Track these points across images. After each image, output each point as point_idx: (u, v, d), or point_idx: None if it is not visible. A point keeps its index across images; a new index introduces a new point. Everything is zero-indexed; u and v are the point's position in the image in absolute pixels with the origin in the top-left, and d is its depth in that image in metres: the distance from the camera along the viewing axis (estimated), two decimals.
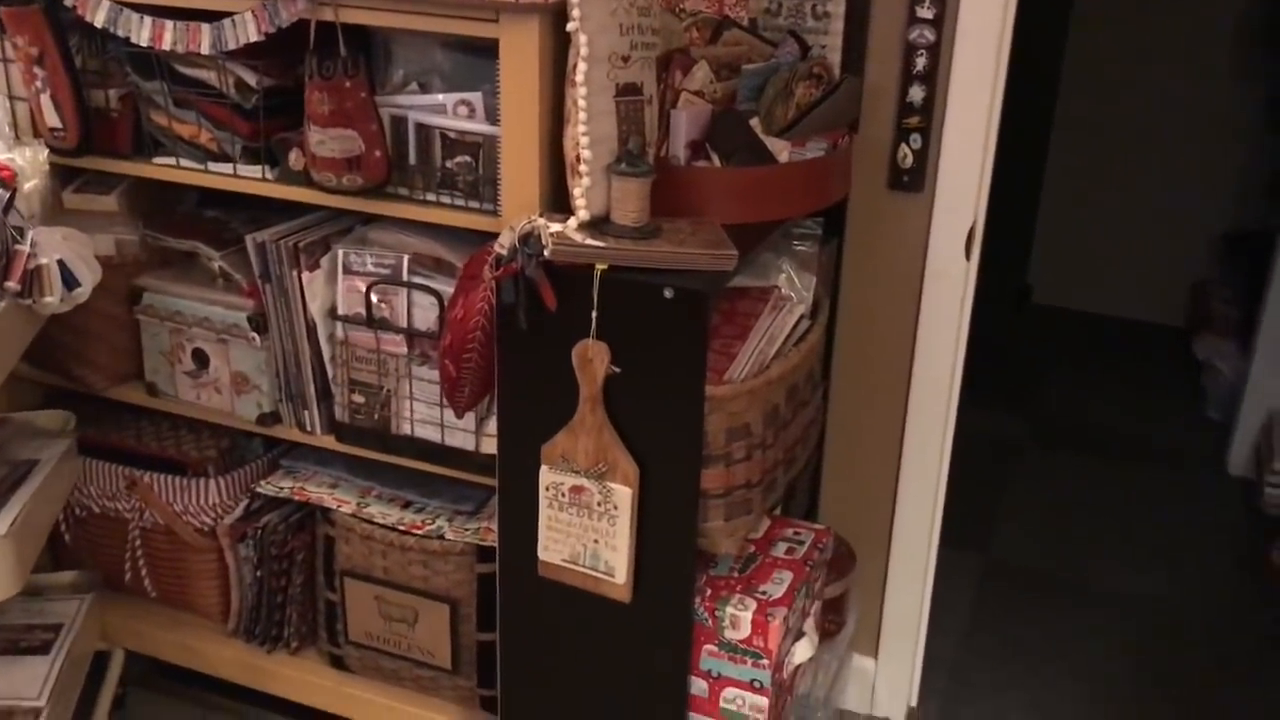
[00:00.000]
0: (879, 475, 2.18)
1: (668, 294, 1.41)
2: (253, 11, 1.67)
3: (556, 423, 1.52)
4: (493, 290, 1.52)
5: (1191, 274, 4.45)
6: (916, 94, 1.92)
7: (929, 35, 1.88)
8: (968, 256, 2.01)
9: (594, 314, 1.45)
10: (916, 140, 1.95)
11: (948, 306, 2.03)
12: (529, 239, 1.46)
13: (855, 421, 2.16)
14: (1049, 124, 4.46)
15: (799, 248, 1.81)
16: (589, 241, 1.45)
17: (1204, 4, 4.18)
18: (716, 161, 1.64)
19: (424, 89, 1.76)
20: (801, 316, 1.73)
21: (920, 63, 1.90)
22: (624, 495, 1.49)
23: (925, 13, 1.87)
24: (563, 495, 1.54)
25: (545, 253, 1.45)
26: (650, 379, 1.46)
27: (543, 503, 1.56)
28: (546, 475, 1.54)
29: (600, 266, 1.44)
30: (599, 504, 1.51)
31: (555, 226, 1.46)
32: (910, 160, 1.96)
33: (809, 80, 1.79)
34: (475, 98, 1.69)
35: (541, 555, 1.59)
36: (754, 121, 1.69)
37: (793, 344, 1.68)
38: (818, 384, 1.80)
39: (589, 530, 1.53)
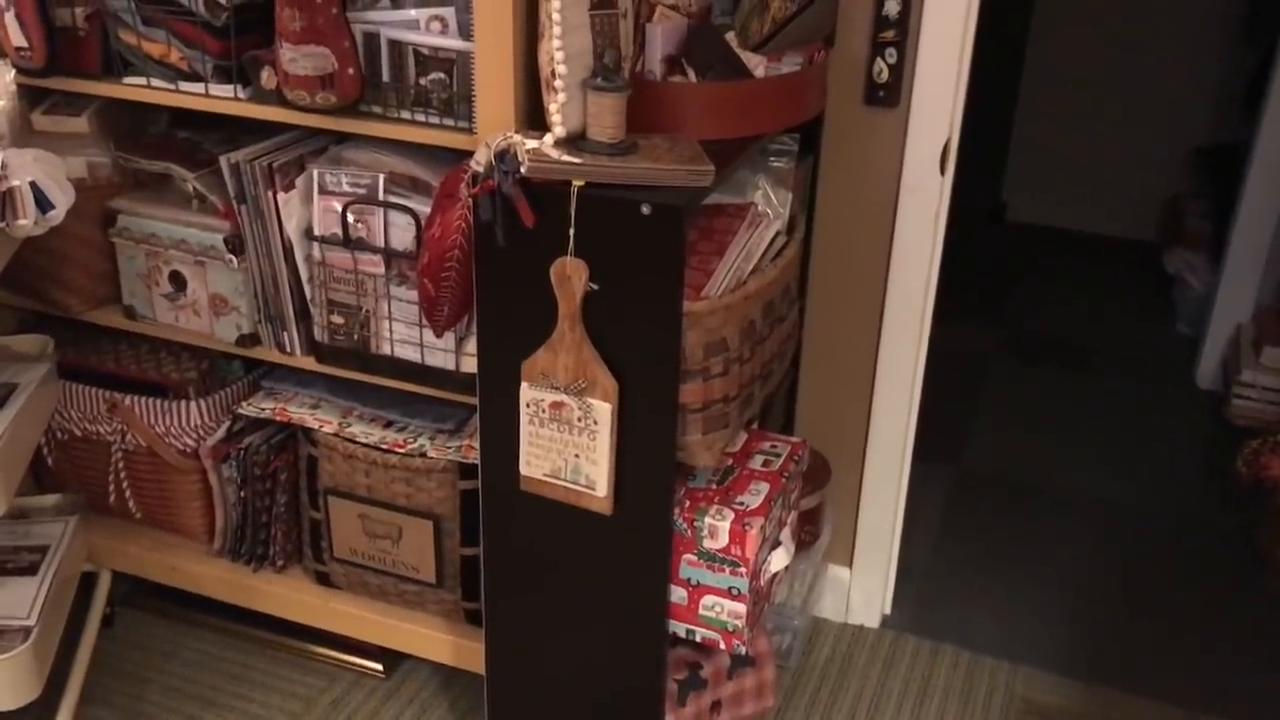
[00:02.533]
0: (854, 389, 2.21)
1: (645, 210, 1.42)
2: None
3: (536, 340, 1.54)
4: (470, 208, 1.52)
5: (1165, 189, 4.48)
6: (892, 7, 1.91)
7: None
8: (942, 172, 2.02)
9: (571, 231, 1.46)
10: (892, 55, 1.94)
11: (922, 222, 2.04)
12: (505, 156, 1.46)
13: (831, 336, 2.18)
14: (1023, 41, 4.44)
15: (775, 164, 1.82)
16: (565, 158, 1.45)
17: None
18: (692, 77, 1.64)
19: (396, 4, 1.74)
20: (778, 233, 1.74)
21: None
22: (604, 410, 1.51)
23: None
24: (543, 411, 1.56)
25: (521, 169, 1.45)
26: (628, 295, 1.47)
27: (523, 419, 1.58)
28: (527, 392, 1.56)
29: (577, 183, 1.44)
30: (579, 419, 1.54)
31: (531, 143, 1.46)
32: (886, 75, 1.96)
33: None
34: (448, 13, 1.68)
35: (523, 470, 1.61)
36: (730, 36, 1.68)
37: (769, 260, 1.70)
38: (794, 300, 1.82)
39: (570, 445, 1.56)
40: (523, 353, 1.55)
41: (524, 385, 1.56)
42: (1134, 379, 3.51)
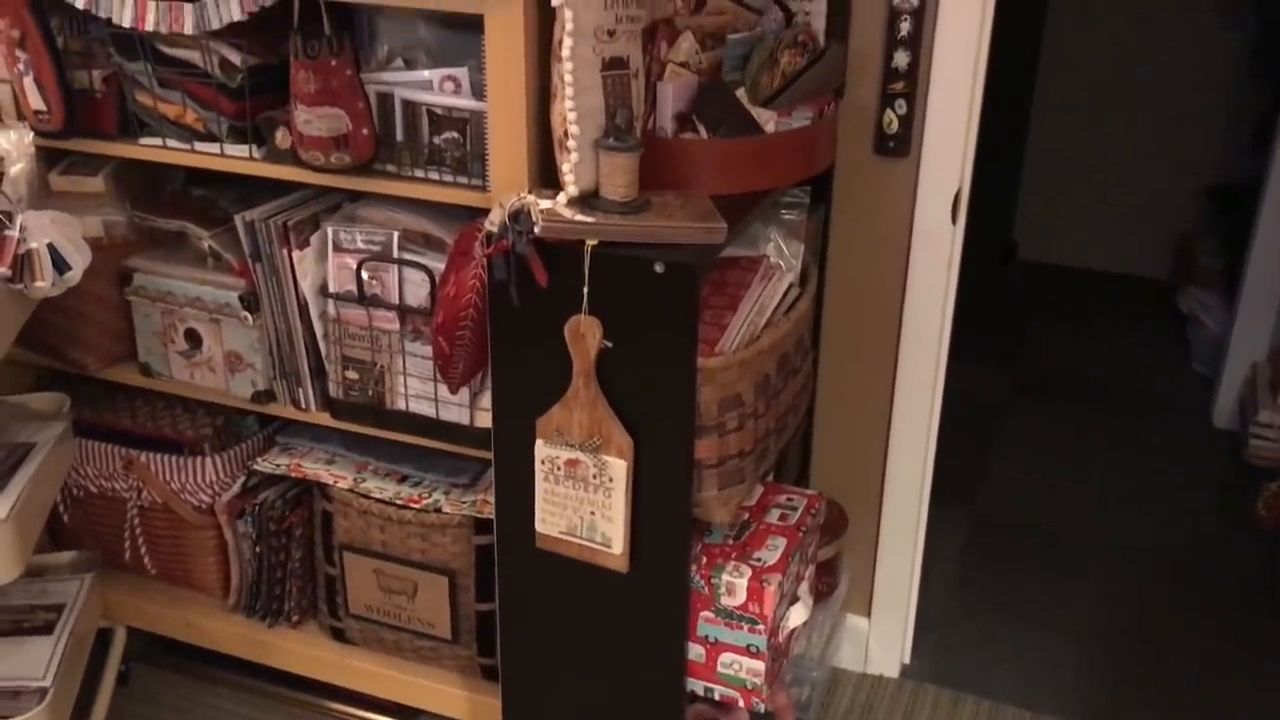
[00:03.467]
0: (869, 437, 2.21)
1: (658, 268, 1.42)
2: None
3: (550, 397, 1.54)
4: (484, 267, 1.53)
5: (1176, 227, 4.47)
6: (901, 59, 1.92)
7: (913, 0, 1.88)
8: (954, 220, 2.02)
9: (585, 289, 1.46)
10: (902, 105, 1.95)
11: (935, 270, 2.05)
12: (519, 216, 1.47)
13: (845, 385, 2.18)
14: (1032, 79, 4.46)
15: (787, 216, 1.82)
16: (579, 217, 1.46)
17: None
18: (703, 133, 1.65)
19: (409, 65, 1.75)
20: (791, 285, 1.74)
21: (904, 28, 1.90)
22: (619, 468, 1.51)
23: None
24: (558, 469, 1.56)
25: (535, 229, 1.46)
26: (642, 352, 1.48)
27: (538, 476, 1.57)
28: (542, 449, 1.56)
29: (590, 242, 1.45)
30: (594, 477, 1.53)
31: (545, 203, 1.47)
32: (896, 125, 1.97)
33: (794, 48, 1.79)
34: (461, 73, 1.69)
35: (539, 528, 1.61)
36: (740, 92, 1.69)
37: (783, 313, 1.70)
38: (808, 351, 1.82)
39: (585, 502, 1.55)
40: (537, 410, 1.56)
41: (539, 442, 1.56)
42: (1150, 419, 3.50)
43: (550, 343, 1.51)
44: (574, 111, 1.48)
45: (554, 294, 1.48)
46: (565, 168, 1.50)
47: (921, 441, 2.17)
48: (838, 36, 1.94)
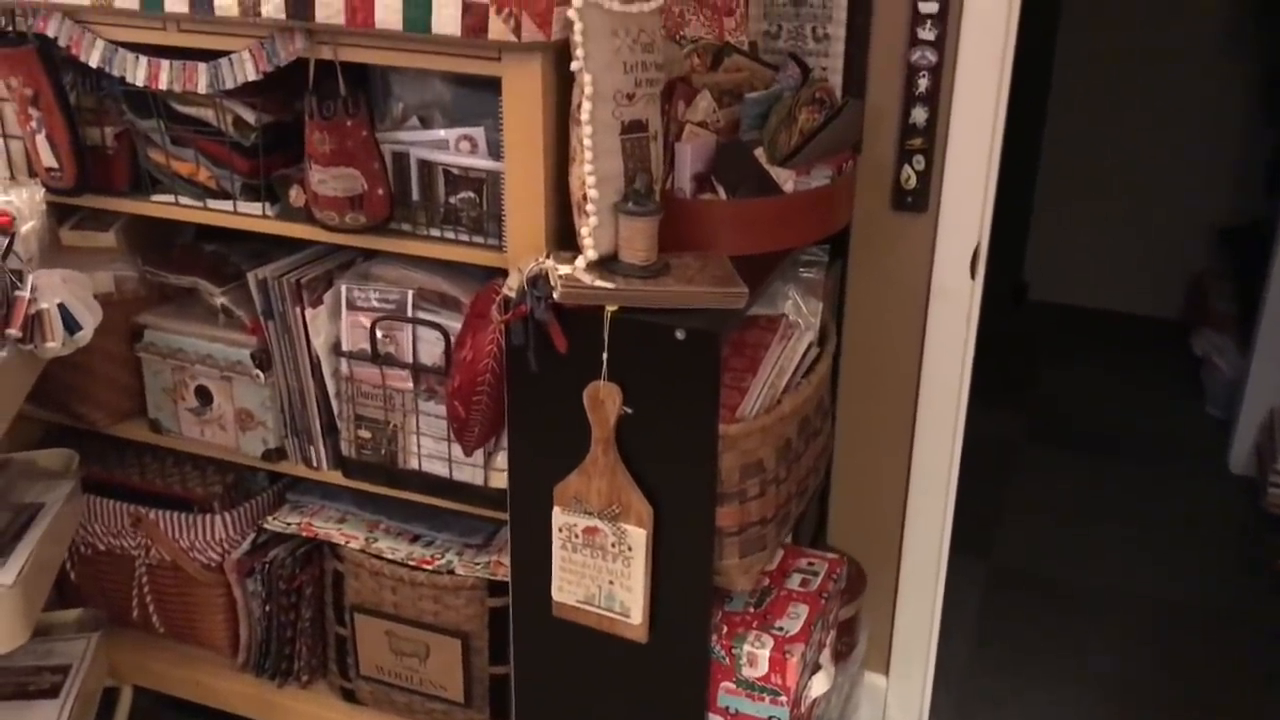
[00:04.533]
0: (888, 494, 2.18)
1: (679, 335, 1.40)
2: (250, 51, 1.65)
3: (568, 463, 1.51)
4: (502, 332, 1.51)
5: (1187, 266, 4.45)
6: (919, 115, 1.91)
7: (931, 57, 1.87)
8: (973, 275, 2.00)
9: (604, 355, 1.44)
10: (920, 161, 1.94)
11: (954, 325, 2.02)
12: (537, 281, 1.45)
13: (863, 442, 2.15)
14: (1042, 119, 4.45)
15: (806, 274, 1.80)
16: (598, 283, 1.44)
17: None
18: (722, 194, 1.63)
19: (425, 123, 1.74)
20: (810, 344, 1.72)
21: (922, 84, 1.89)
22: (638, 537, 1.48)
23: (927, 34, 1.86)
24: (576, 536, 1.53)
25: (554, 295, 1.44)
26: (663, 419, 1.45)
27: (556, 544, 1.55)
28: (559, 517, 1.53)
29: (610, 308, 1.43)
30: (613, 545, 1.50)
31: (564, 268, 1.45)
32: (914, 181, 1.95)
33: (811, 105, 1.78)
34: (478, 133, 1.68)
35: (555, 596, 1.58)
36: (759, 151, 1.67)
37: (802, 374, 1.68)
38: (827, 412, 1.80)
39: (603, 571, 1.53)
40: (555, 476, 1.53)
41: (556, 510, 1.54)
42: (1165, 464, 3.46)
43: (568, 408, 1.49)
44: (593, 175, 1.46)
45: (573, 359, 1.46)
46: (584, 231, 1.49)
47: (940, 499, 2.14)
48: (854, 92, 1.93)
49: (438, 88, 1.74)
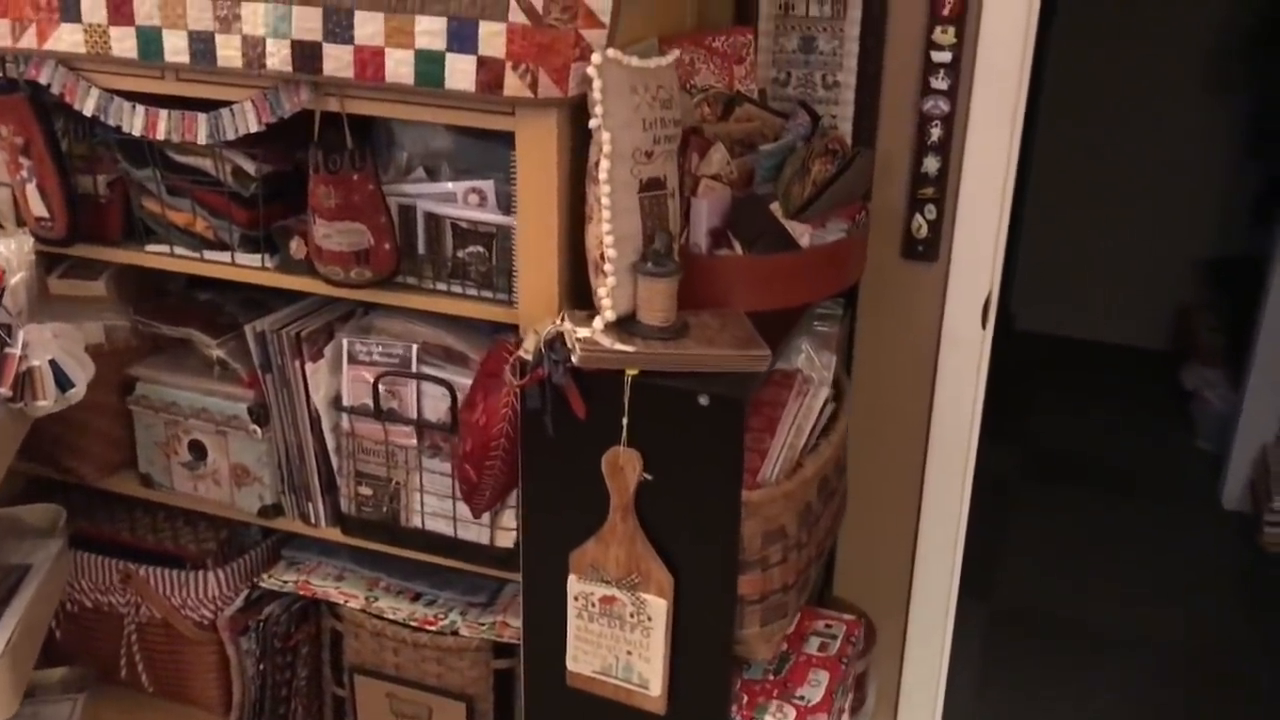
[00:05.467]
0: (896, 545, 2.14)
1: (703, 401, 1.36)
2: (252, 101, 1.60)
3: (585, 530, 1.47)
4: (516, 395, 1.46)
5: (1173, 298, 4.47)
6: (931, 164, 1.88)
7: (944, 105, 1.84)
8: (984, 325, 1.97)
9: (624, 421, 1.40)
10: (931, 211, 1.91)
11: (965, 375, 2.00)
12: (555, 344, 1.41)
13: (872, 493, 2.12)
14: (1028, 150, 4.46)
15: (820, 328, 1.77)
16: (618, 346, 1.40)
17: (1180, 27, 4.19)
18: (739, 249, 1.59)
19: (431, 174, 1.70)
20: (827, 400, 1.68)
21: (935, 133, 1.86)
22: (658, 607, 1.44)
23: (940, 83, 1.83)
24: (593, 605, 1.48)
25: (573, 358, 1.39)
26: (684, 485, 1.41)
27: (571, 613, 1.50)
28: (575, 585, 1.49)
29: (631, 372, 1.39)
30: (631, 615, 1.46)
31: (582, 331, 1.41)
32: (925, 230, 1.93)
33: (825, 156, 1.75)
34: (487, 186, 1.63)
35: (570, 666, 1.53)
36: (774, 206, 1.64)
37: (819, 431, 1.64)
38: (843, 469, 1.76)
39: (621, 641, 1.48)
40: (571, 543, 1.48)
41: (572, 578, 1.49)
42: (1159, 500, 3.45)
43: (585, 474, 1.44)
44: (611, 235, 1.43)
45: (591, 424, 1.41)
46: (602, 291, 1.45)
47: (949, 552, 2.11)
48: (864, 140, 1.91)
49: (444, 137, 1.70)
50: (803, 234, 1.64)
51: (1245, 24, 4.08)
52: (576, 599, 1.49)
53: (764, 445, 1.53)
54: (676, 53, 1.51)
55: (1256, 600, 2.90)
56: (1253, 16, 4.06)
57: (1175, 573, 3.06)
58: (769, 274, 1.58)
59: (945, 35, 1.80)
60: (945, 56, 1.81)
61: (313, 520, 1.89)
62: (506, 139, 1.52)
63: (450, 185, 1.65)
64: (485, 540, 1.76)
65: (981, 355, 1.99)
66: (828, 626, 1.70)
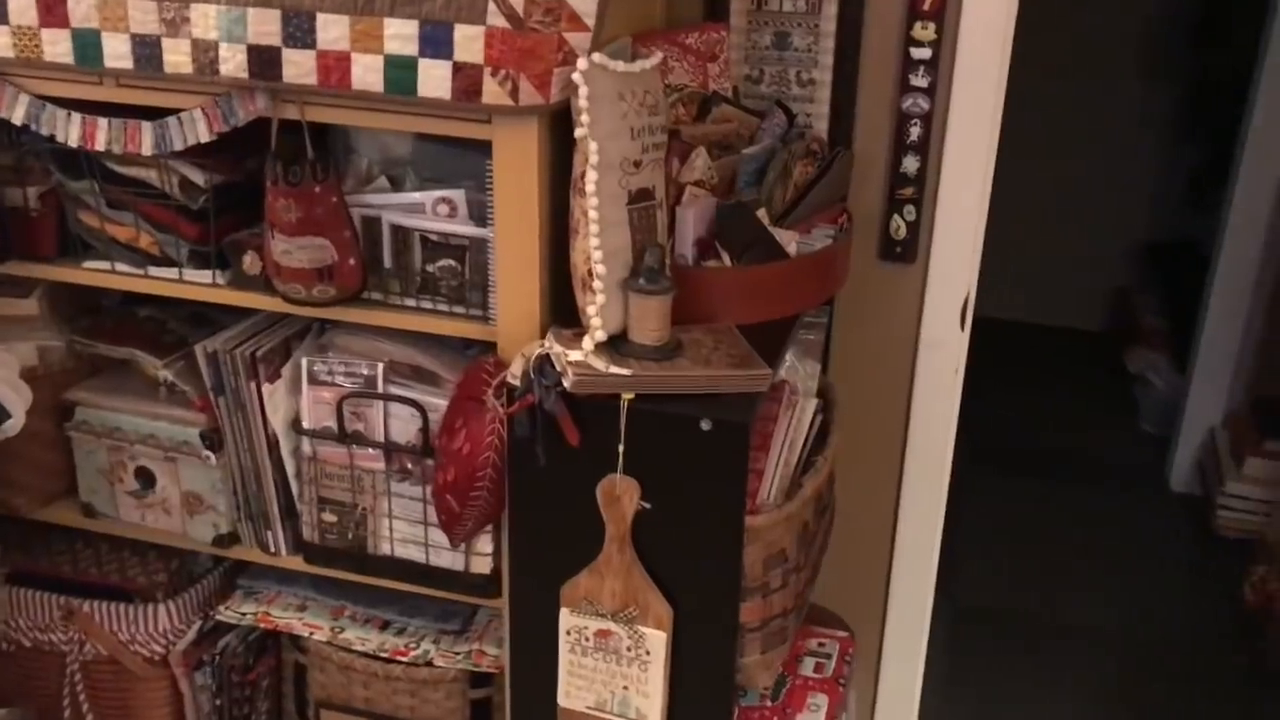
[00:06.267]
0: (873, 548, 2.10)
1: (705, 426, 1.29)
2: (203, 109, 1.48)
3: (578, 561, 1.39)
4: (503, 422, 1.38)
5: (1110, 279, 4.50)
6: (911, 164, 1.83)
7: (923, 104, 1.79)
8: (963, 326, 1.93)
9: (621, 448, 1.32)
10: (910, 212, 1.86)
11: (943, 377, 1.95)
12: (544, 367, 1.33)
13: (848, 497, 2.06)
14: None
15: (806, 336, 1.71)
16: (613, 369, 1.32)
17: (1114, 13, 4.21)
18: (726, 260, 1.52)
19: (395, 183, 1.60)
20: (817, 411, 1.63)
21: (914, 132, 1.81)
22: (657, 640, 1.37)
23: (919, 81, 1.78)
24: (586, 639, 1.41)
25: (565, 383, 1.31)
26: (684, 513, 1.34)
27: (563, 647, 1.42)
28: (568, 618, 1.41)
29: (627, 396, 1.31)
30: (629, 649, 1.39)
31: (574, 354, 1.33)
32: (903, 231, 1.88)
33: (806, 158, 1.69)
34: (457, 195, 1.54)
35: (562, 702, 1.45)
36: (761, 213, 1.57)
37: (810, 445, 1.58)
38: (833, 481, 1.71)
39: (617, 676, 1.41)
40: (562, 575, 1.41)
41: (564, 611, 1.41)
42: (1107, 484, 3.48)
43: (579, 502, 1.37)
44: (599, 250, 1.35)
45: (584, 451, 1.34)
46: (591, 310, 1.37)
47: (927, 555, 2.08)
48: (841, 140, 1.85)
49: (406, 143, 1.61)
50: (790, 241, 1.58)
51: (1181, 7, 4.11)
52: (569, 633, 1.41)
53: (759, 464, 1.47)
54: (660, 54, 1.43)
55: (1211, 585, 2.93)
56: (1186, 3, 4.10)
57: (1132, 561, 3.08)
58: (759, 285, 1.51)
59: (925, 31, 1.74)
60: (925, 53, 1.76)
61: (273, 549, 1.79)
62: (476, 144, 1.44)
63: (418, 195, 1.56)
64: (460, 566, 1.68)
65: (960, 357, 1.95)
66: (820, 645, 1.65)
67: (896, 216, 1.87)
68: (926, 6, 1.73)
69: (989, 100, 1.77)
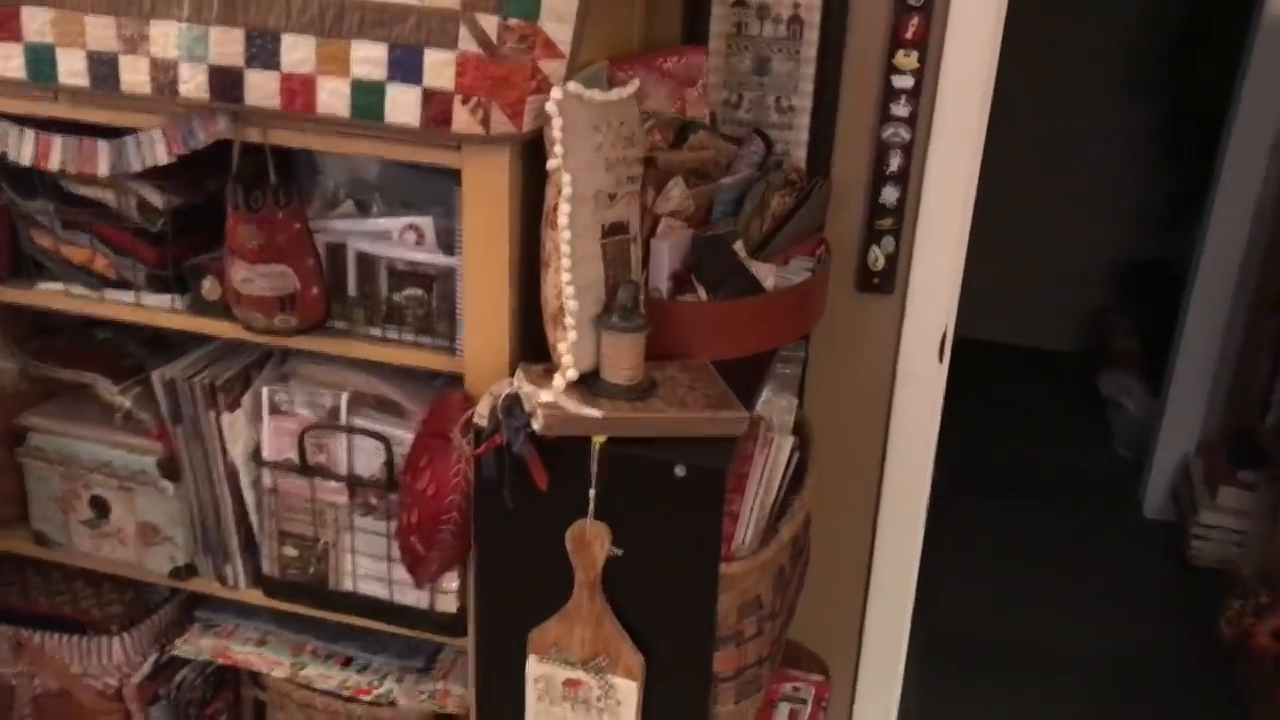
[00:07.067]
0: (847, 582, 2.06)
1: (679, 472, 1.25)
2: (162, 130, 1.43)
3: (546, 607, 1.35)
4: (469, 462, 1.33)
5: (1085, 299, 4.48)
6: (890, 195, 1.79)
7: (904, 134, 1.76)
8: (940, 359, 1.90)
9: (592, 493, 1.28)
10: (889, 243, 1.82)
11: (921, 411, 1.92)
12: (513, 408, 1.28)
13: (823, 531, 2.02)
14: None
15: (783, 370, 1.67)
16: (585, 410, 1.27)
17: (1095, 32, 4.20)
18: (702, 294, 1.48)
19: (361, 208, 1.55)
20: (793, 449, 1.58)
21: (895, 162, 1.77)
22: (628, 690, 1.33)
23: (900, 110, 1.74)
24: (554, 689, 1.36)
25: (534, 424, 1.27)
26: (657, 560, 1.30)
27: (530, 696, 1.38)
28: (535, 667, 1.36)
29: (599, 439, 1.27)
30: (598, 699, 1.34)
31: (544, 394, 1.28)
32: (881, 263, 1.84)
33: (784, 189, 1.65)
34: (425, 222, 1.49)
35: None
36: (738, 245, 1.53)
37: (786, 485, 1.54)
38: (809, 522, 1.67)
39: None
40: (531, 620, 1.36)
41: (532, 659, 1.37)
42: (1080, 509, 3.45)
43: (548, 546, 1.32)
44: (571, 285, 1.30)
45: (554, 494, 1.29)
46: (562, 347, 1.32)
47: (905, 585, 2.04)
48: (819, 168, 1.81)
49: (374, 168, 1.56)
50: (767, 275, 1.54)
51: (1160, 28, 4.11)
52: (537, 681, 1.37)
53: (734, 506, 1.42)
54: (637, 82, 1.39)
55: (1185, 615, 2.91)
56: (1169, 21, 4.09)
57: (1107, 589, 3.05)
58: (735, 320, 1.47)
59: (908, 60, 1.71)
60: (907, 82, 1.73)
61: (231, 582, 1.73)
62: (445, 171, 1.39)
63: (385, 222, 1.51)
64: (425, 604, 1.62)
65: (938, 391, 1.92)
66: (795, 690, 1.61)
67: (875, 247, 1.83)
68: (909, 35, 1.70)
69: (971, 131, 1.74)
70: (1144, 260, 4.28)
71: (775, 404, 1.63)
